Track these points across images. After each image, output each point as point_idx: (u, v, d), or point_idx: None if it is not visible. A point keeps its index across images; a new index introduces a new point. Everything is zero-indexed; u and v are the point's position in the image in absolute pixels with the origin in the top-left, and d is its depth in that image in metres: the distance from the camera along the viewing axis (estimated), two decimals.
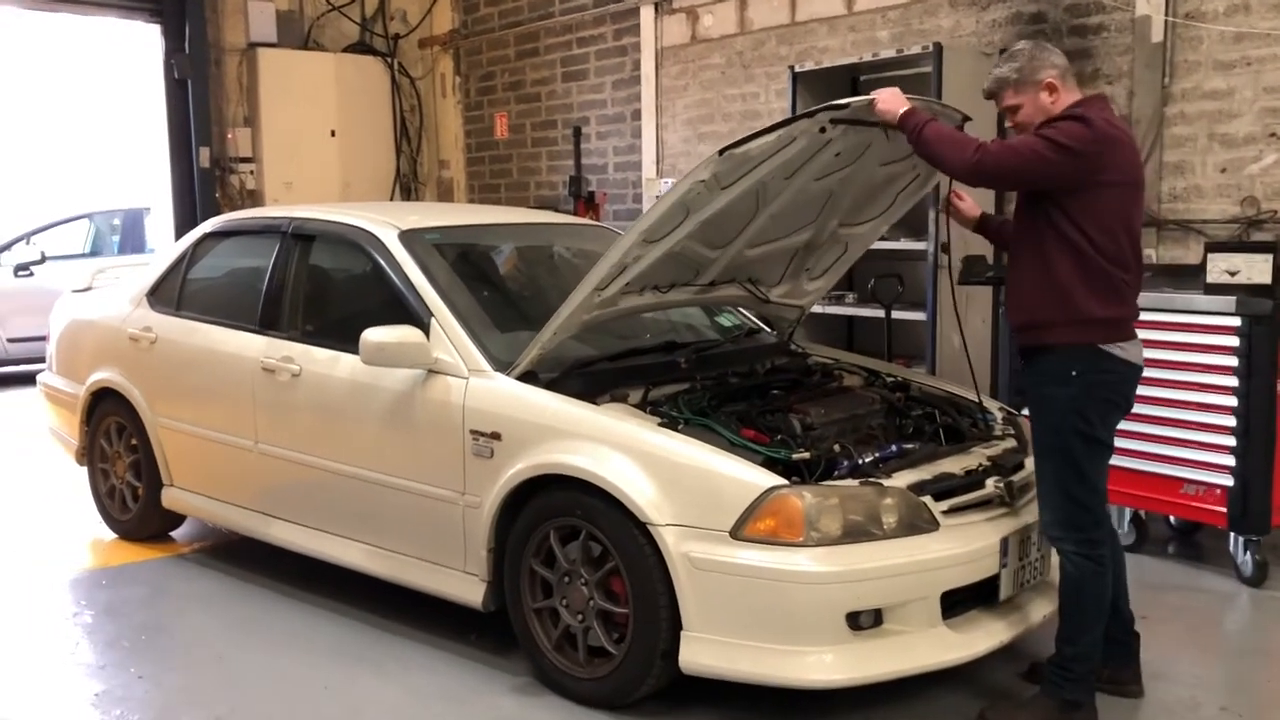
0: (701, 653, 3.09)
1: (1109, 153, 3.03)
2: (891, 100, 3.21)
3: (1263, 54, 5.22)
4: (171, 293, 4.92)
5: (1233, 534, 4.39)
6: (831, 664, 3.01)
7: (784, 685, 3.05)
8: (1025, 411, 3.36)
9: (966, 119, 3.61)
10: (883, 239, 6.24)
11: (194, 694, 3.54)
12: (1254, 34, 5.23)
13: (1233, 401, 4.24)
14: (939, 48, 5.78)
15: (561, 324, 3.48)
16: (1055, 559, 3.58)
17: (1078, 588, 3.15)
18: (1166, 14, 5.49)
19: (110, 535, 5.16)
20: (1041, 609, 3.41)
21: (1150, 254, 5.61)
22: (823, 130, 3.25)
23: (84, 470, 5.31)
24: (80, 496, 5.41)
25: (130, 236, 11.03)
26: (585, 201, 8.36)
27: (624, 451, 3.24)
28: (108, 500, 5.20)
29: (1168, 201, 5.56)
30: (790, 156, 3.31)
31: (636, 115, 8.45)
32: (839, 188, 3.72)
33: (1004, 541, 3.25)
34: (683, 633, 3.11)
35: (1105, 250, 3.07)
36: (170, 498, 4.84)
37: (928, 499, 3.21)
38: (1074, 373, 3.10)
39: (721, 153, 3.18)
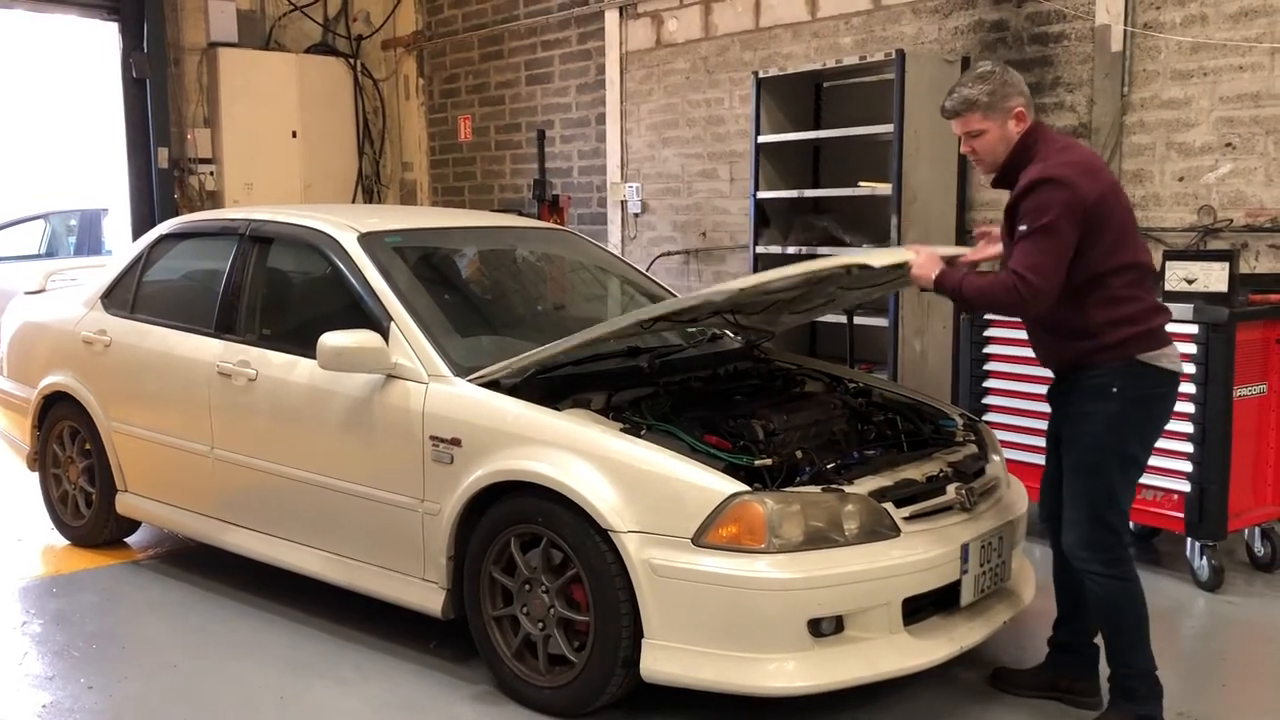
0: (663, 661, 3.07)
1: (1091, 185, 3.01)
2: (926, 266, 3.18)
3: (1219, 64, 5.28)
4: (127, 295, 4.84)
5: (1190, 539, 4.43)
6: (793, 671, 2.99)
7: (746, 693, 3.03)
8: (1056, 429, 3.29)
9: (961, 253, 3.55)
10: (845, 245, 6.29)
11: (146, 704, 3.48)
12: (1210, 44, 5.29)
13: (1190, 408, 4.28)
14: (902, 54, 5.81)
15: (566, 349, 3.47)
16: (1016, 562, 3.61)
17: (1113, 609, 3.12)
18: (1126, 24, 5.55)
19: (62, 542, 5.07)
20: (1003, 614, 3.42)
21: None
22: (847, 272, 3.36)
23: (36, 476, 5.20)
24: (32, 502, 5.31)
25: (87, 238, 10.86)
26: (549, 205, 8.33)
27: (586, 458, 3.21)
28: (60, 506, 5.10)
29: None
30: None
31: (601, 119, 8.43)
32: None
33: (965, 547, 3.25)
34: (644, 640, 3.09)
35: (1121, 270, 3.05)
36: (125, 504, 4.76)
37: (889, 505, 3.21)
38: (1114, 389, 3.05)
39: (741, 290, 3.30)
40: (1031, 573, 3.79)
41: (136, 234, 8.05)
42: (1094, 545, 3.10)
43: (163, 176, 8.79)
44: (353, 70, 9.87)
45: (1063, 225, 2.96)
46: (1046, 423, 3.41)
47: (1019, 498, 3.71)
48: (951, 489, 3.38)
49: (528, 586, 3.35)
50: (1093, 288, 3.04)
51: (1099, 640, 3.34)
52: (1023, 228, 3.01)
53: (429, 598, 3.58)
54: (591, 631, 3.19)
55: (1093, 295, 3.05)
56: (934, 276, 3.16)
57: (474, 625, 3.49)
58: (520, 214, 7.76)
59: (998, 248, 3.40)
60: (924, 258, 3.21)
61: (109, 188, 9.30)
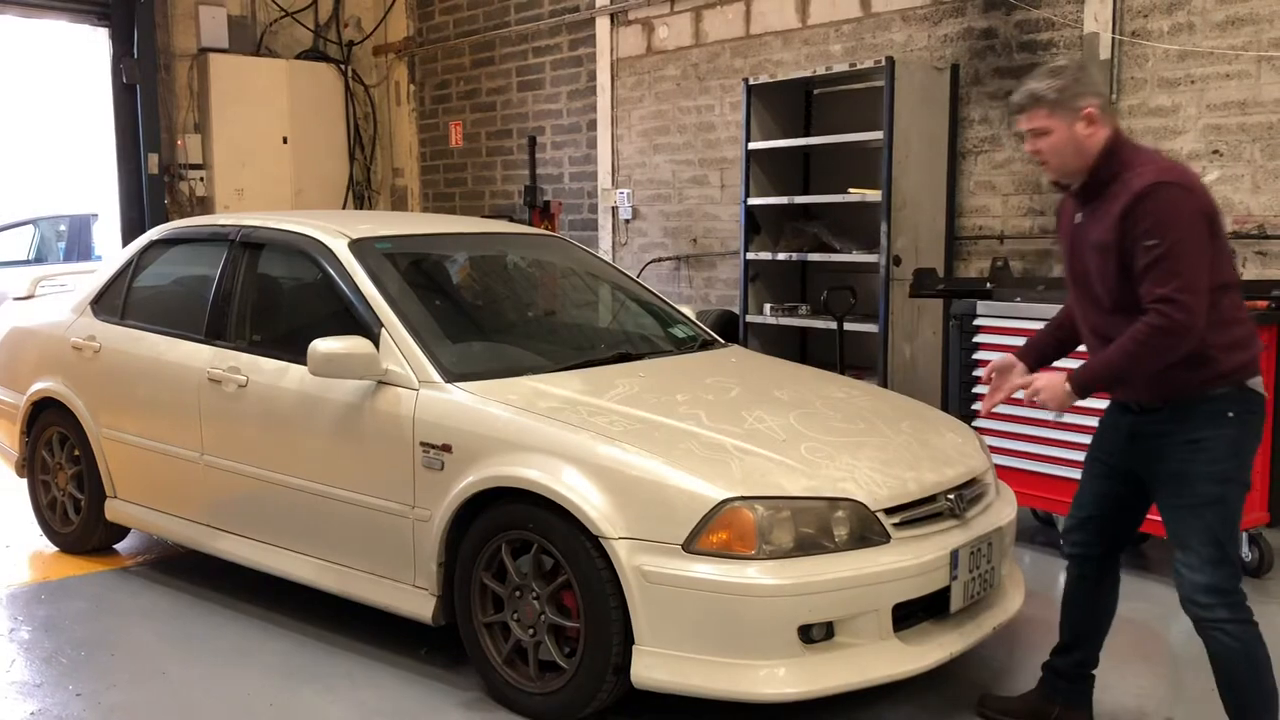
0: (653, 667, 3.06)
1: (1205, 192, 2.80)
2: (1054, 392, 2.88)
3: (1206, 72, 5.32)
4: (116, 301, 4.83)
5: None
6: (784, 677, 3.00)
7: (736, 699, 3.03)
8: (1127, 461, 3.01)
9: None
10: (835, 251, 6.32)
11: (134, 712, 3.46)
12: (1197, 52, 5.33)
13: None
14: (891, 62, 5.83)
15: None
16: (1006, 569, 3.61)
17: (1247, 662, 2.79)
18: (1114, 32, 5.58)
19: (51, 548, 5.05)
20: (992, 620, 3.43)
21: None
22: None
23: (24, 482, 5.19)
24: (20, 509, 5.28)
25: (76, 243, 10.85)
26: (540, 211, 8.34)
27: (577, 464, 3.21)
28: (48, 512, 5.08)
29: None
30: None
31: (592, 125, 8.45)
32: None
33: (954, 554, 3.25)
34: (635, 647, 3.08)
35: (1227, 288, 2.81)
36: (114, 510, 4.74)
37: (880, 512, 3.21)
38: (1230, 414, 2.79)
39: None
40: (1021, 579, 3.80)
41: (126, 240, 8.04)
42: (1221, 589, 2.79)
43: (153, 182, 8.79)
44: (344, 76, 9.88)
45: (1198, 233, 2.70)
46: (1093, 445, 3.15)
47: (1008, 504, 3.72)
48: (941, 496, 3.39)
49: (518, 593, 3.35)
50: (1214, 306, 2.75)
51: (1096, 671, 3.26)
52: (1152, 242, 2.69)
53: (419, 604, 3.58)
54: (582, 638, 3.18)
55: (1208, 317, 2.74)
56: (1069, 390, 2.85)
57: (464, 632, 3.48)
58: (511, 220, 7.76)
59: (1023, 377, 3.08)
60: (1047, 391, 2.89)
61: (99, 193, 9.29)
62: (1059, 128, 2.85)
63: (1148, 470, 2.94)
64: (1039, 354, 3.20)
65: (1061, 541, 3.31)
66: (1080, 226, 2.92)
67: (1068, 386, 2.84)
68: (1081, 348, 3.11)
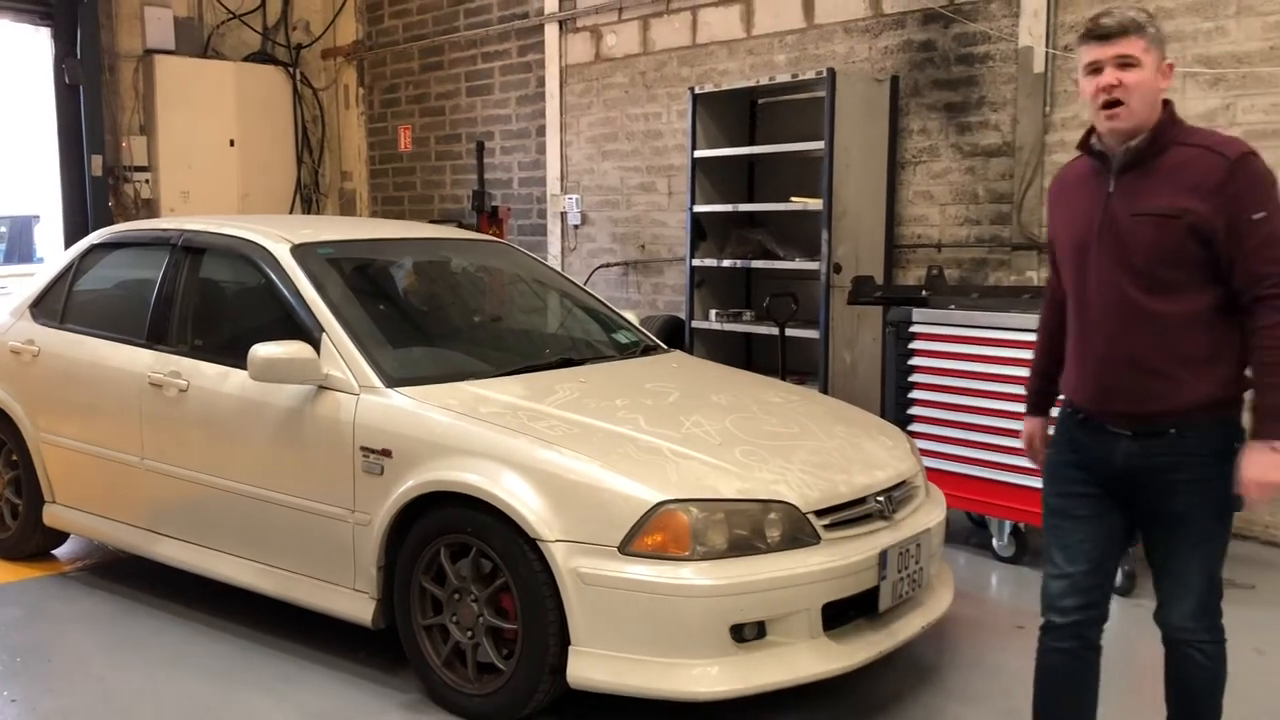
0: (589, 667, 3.12)
1: None
2: (1268, 475, 2.42)
3: None
4: (56, 305, 4.80)
5: None
6: (716, 676, 3.06)
7: (669, 698, 3.09)
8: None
9: None
10: (779, 259, 6.41)
11: (70, 717, 3.45)
12: None
13: None
14: (833, 73, 5.94)
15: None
16: (935, 569, 3.70)
17: (1213, 683, 2.64)
18: (1047, 46, 5.73)
19: None
20: (920, 620, 3.52)
21: (1032, 275, 5.84)
22: None
23: None
24: None
25: (17, 245, 10.68)
26: (489, 216, 8.35)
27: (515, 468, 3.26)
28: None
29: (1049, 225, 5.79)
30: None
31: (541, 131, 8.49)
32: None
33: (883, 554, 3.34)
34: (571, 647, 3.14)
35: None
36: (52, 515, 4.71)
37: (810, 514, 3.29)
38: (1236, 445, 2.50)
39: None
40: (951, 578, 3.90)
41: (69, 242, 7.94)
42: (1208, 612, 2.61)
43: (97, 184, 8.69)
44: (292, 79, 9.83)
45: None
46: (1066, 481, 2.72)
47: (937, 506, 3.82)
48: (871, 497, 3.47)
49: (457, 596, 3.39)
50: (1233, 304, 2.49)
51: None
52: (1260, 215, 2.39)
53: (359, 607, 3.60)
54: (520, 639, 3.23)
55: (1234, 315, 2.49)
56: (1276, 455, 2.41)
57: (404, 634, 3.51)
58: (460, 225, 7.78)
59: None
60: (1261, 477, 2.43)
61: (41, 195, 9.16)
62: (1150, 64, 2.47)
63: (1144, 507, 2.61)
64: (1047, 397, 2.95)
65: (1045, 618, 2.75)
66: (1118, 196, 2.53)
67: (1276, 454, 2.40)
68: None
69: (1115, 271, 2.53)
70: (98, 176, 8.69)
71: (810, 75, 6.14)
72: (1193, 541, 2.56)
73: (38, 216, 10.09)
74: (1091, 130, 2.61)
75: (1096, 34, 2.49)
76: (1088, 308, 2.61)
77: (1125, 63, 2.46)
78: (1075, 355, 2.68)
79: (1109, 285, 2.55)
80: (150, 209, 8.95)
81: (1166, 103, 2.53)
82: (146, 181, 8.97)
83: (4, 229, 10.78)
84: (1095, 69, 2.50)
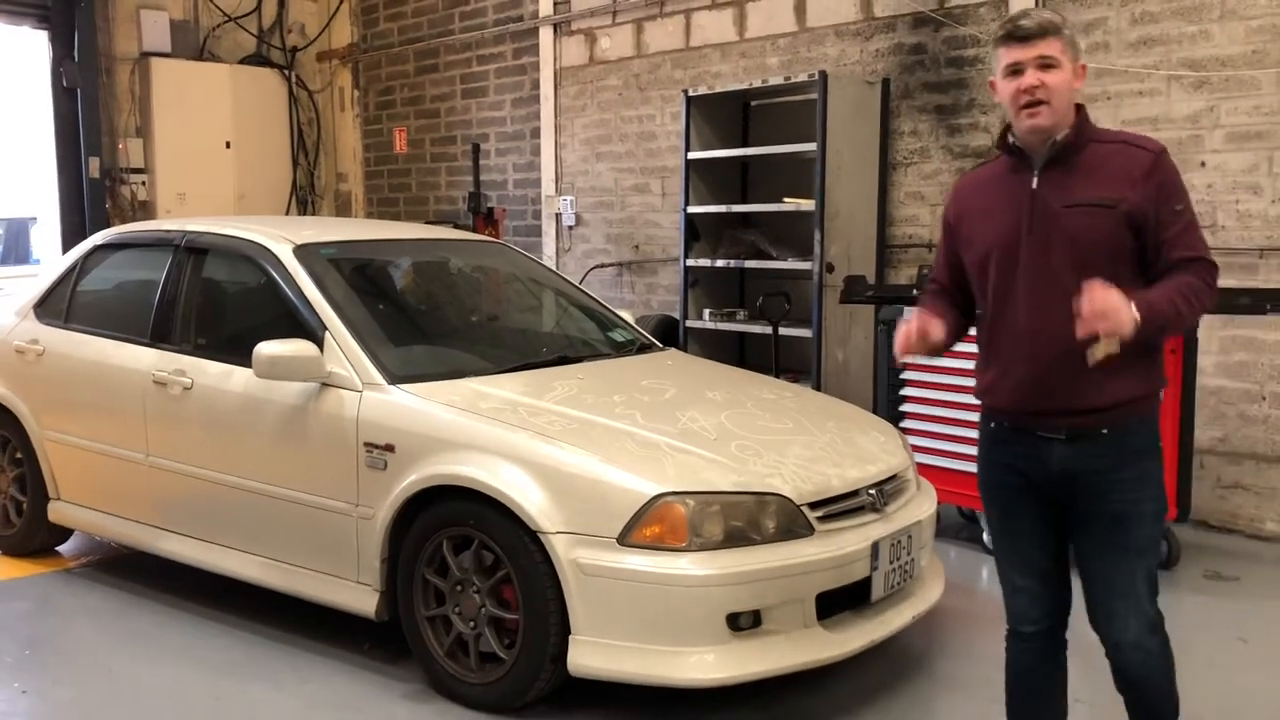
0: (589, 655, 3.20)
1: None
2: (1119, 315, 2.31)
3: (1120, 89, 5.58)
4: (60, 305, 4.87)
5: None
6: (713, 663, 3.15)
7: (667, 685, 3.18)
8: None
9: None
10: (772, 259, 6.50)
11: (81, 707, 3.53)
12: (1112, 70, 5.58)
13: None
14: (824, 75, 6.03)
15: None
16: (925, 560, 3.79)
17: (1165, 675, 2.64)
18: None
19: None
20: (911, 609, 3.61)
21: None
22: None
23: None
24: None
25: (14, 247, 10.74)
26: (484, 217, 8.43)
27: (516, 462, 3.34)
28: None
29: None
30: None
31: (535, 133, 8.57)
32: None
33: (875, 546, 3.43)
34: (571, 637, 3.22)
35: None
36: (57, 512, 4.77)
37: (805, 507, 3.37)
38: (1159, 444, 2.59)
39: None
40: (941, 570, 3.99)
41: (67, 244, 7.99)
42: (1155, 623, 2.59)
43: (94, 186, 8.73)
44: (287, 81, 9.88)
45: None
46: (1006, 489, 2.70)
47: (928, 499, 3.91)
48: (863, 490, 3.55)
49: (459, 587, 3.46)
50: None
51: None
52: (1180, 206, 2.49)
53: (363, 600, 3.68)
54: (521, 629, 3.31)
55: None
56: (1135, 317, 2.33)
57: (407, 626, 3.59)
58: (456, 226, 7.86)
59: (937, 333, 2.68)
60: (1106, 307, 2.32)
61: (38, 196, 9.21)
62: (1066, 65, 2.52)
63: (1082, 509, 2.58)
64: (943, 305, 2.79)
65: (1010, 633, 2.79)
66: (1044, 191, 2.54)
67: (1135, 312, 2.33)
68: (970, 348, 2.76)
69: (1048, 265, 2.52)
70: (95, 178, 8.74)
71: (802, 78, 6.22)
72: (1138, 548, 2.54)
73: (35, 218, 10.14)
74: (1007, 129, 2.62)
75: (1017, 36, 2.52)
76: (1015, 310, 2.57)
77: (1046, 64, 2.50)
78: (999, 362, 2.62)
79: (1042, 280, 2.53)
80: (147, 211, 9.00)
81: (1080, 105, 2.58)
82: (143, 183, 9.01)
83: (1, 231, 10.83)
84: (1016, 70, 2.52)
